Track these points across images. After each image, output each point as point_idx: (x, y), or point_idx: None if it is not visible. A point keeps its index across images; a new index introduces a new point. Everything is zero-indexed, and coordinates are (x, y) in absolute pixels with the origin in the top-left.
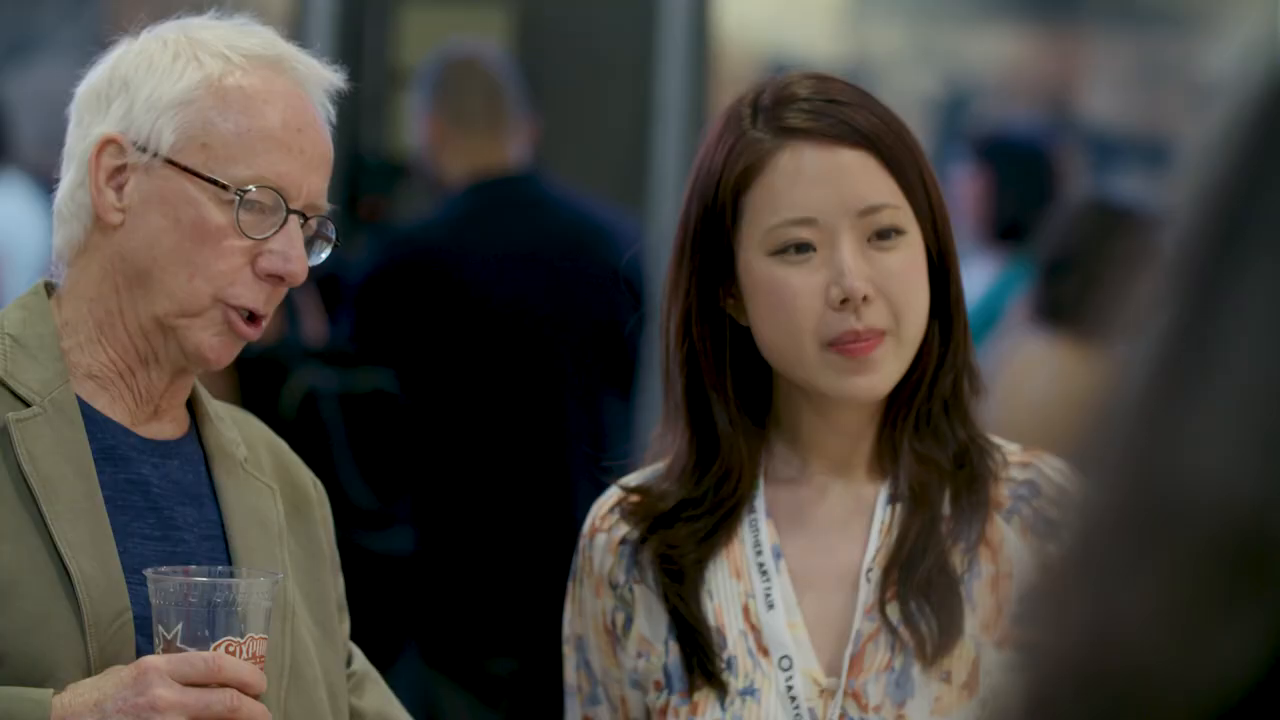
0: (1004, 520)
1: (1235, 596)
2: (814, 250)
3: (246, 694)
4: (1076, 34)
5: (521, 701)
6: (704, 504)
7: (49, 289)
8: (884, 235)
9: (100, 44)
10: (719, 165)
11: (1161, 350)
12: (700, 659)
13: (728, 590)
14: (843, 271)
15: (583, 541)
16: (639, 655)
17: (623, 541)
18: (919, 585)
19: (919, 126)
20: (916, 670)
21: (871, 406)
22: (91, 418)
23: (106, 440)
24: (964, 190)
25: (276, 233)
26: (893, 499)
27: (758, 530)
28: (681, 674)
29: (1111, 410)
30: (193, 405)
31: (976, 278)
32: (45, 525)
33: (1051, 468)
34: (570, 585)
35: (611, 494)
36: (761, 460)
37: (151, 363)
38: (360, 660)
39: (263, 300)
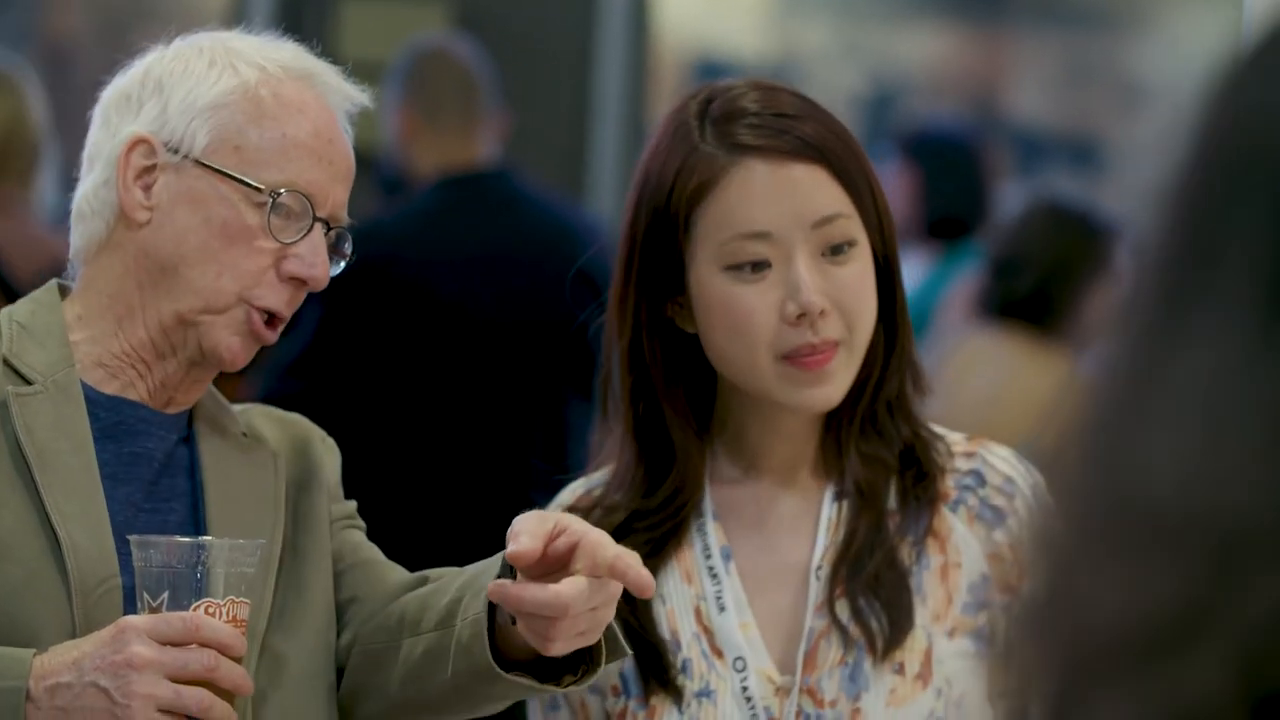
0: (950, 511)
1: (1164, 570)
2: (769, 267)
3: (226, 656)
4: (1002, 32)
5: None
6: (655, 515)
7: (61, 290)
8: (838, 250)
9: (31, 38)
10: (669, 179)
11: (1128, 358)
12: (655, 667)
13: (680, 595)
14: (799, 287)
15: None
16: None
17: None
18: (867, 582)
19: (846, 124)
20: (870, 664)
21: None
22: (96, 400)
23: (112, 417)
24: (891, 187)
25: (303, 238)
26: (839, 496)
27: (706, 534)
28: (637, 679)
29: (1084, 415)
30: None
31: (906, 274)
32: (38, 494)
33: (997, 456)
34: None
35: (560, 502)
36: (707, 464)
37: (168, 356)
38: (355, 551)
39: (284, 302)
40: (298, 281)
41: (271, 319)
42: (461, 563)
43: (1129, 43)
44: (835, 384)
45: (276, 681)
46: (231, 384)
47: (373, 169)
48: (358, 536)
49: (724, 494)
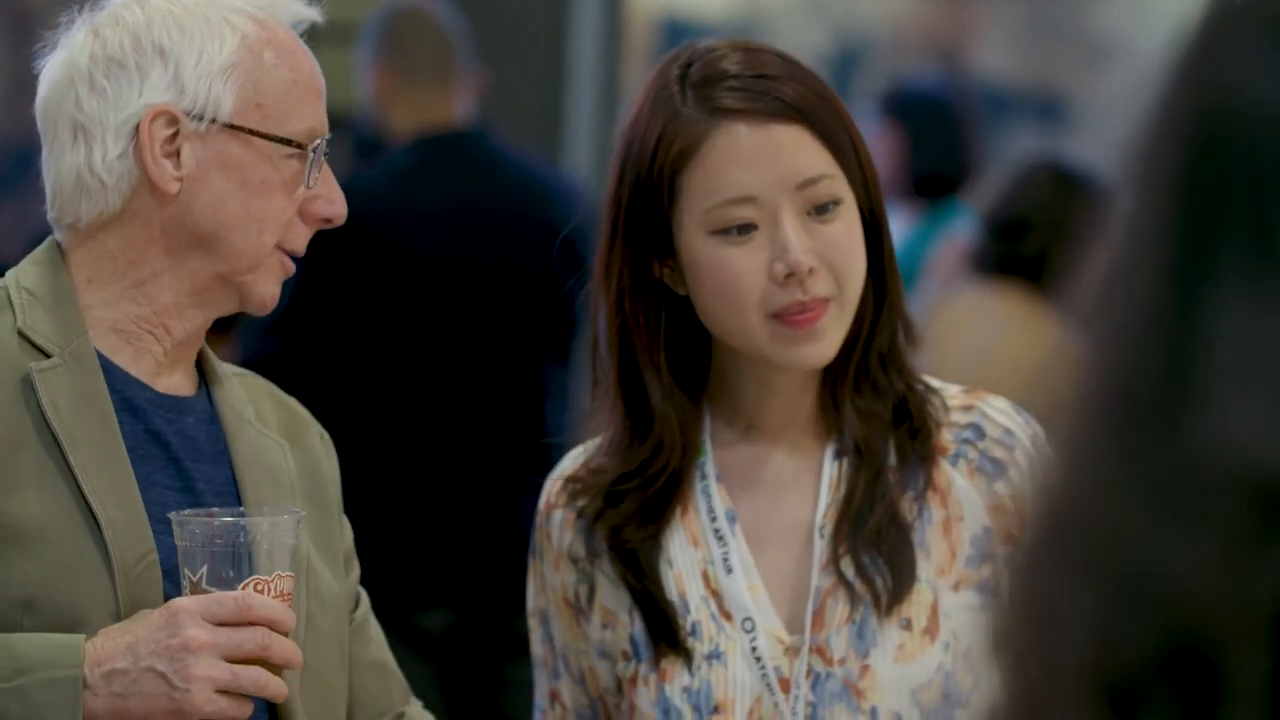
0: (950, 464)
1: (1267, 536)
2: (756, 229)
3: (276, 631)
4: None
5: (455, 655)
6: (640, 477)
7: (59, 247)
8: (823, 209)
9: None
10: (652, 144)
11: (1159, 335)
12: (664, 631)
13: (686, 558)
14: (786, 247)
15: (539, 518)
16: (604, 626)
17: (579, 516)
18: (869, 538)
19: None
20: (876, 620)
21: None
22: (109, 371)
23: (125, 392)
24: (874, 146)
25: (319, 176)
26: (839, 454)
27: (710, 497)
28: (647, 643)
29: (1113, 395)
30: (201, 365)
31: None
32: (71, 473)
33: (995, 408)
34: (531, 561)
35: (563, 469)
36: (705, 426)
37: (191, 317)
38: (365, 605)
39: (306, 242)
40: (322, 220)
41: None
42: (441, 509)
43: None
44: (827, 340)
45: (305, 689)
46: (214, 343)
47: (349, 130)
48: (363, 610)
49: (726, 456)
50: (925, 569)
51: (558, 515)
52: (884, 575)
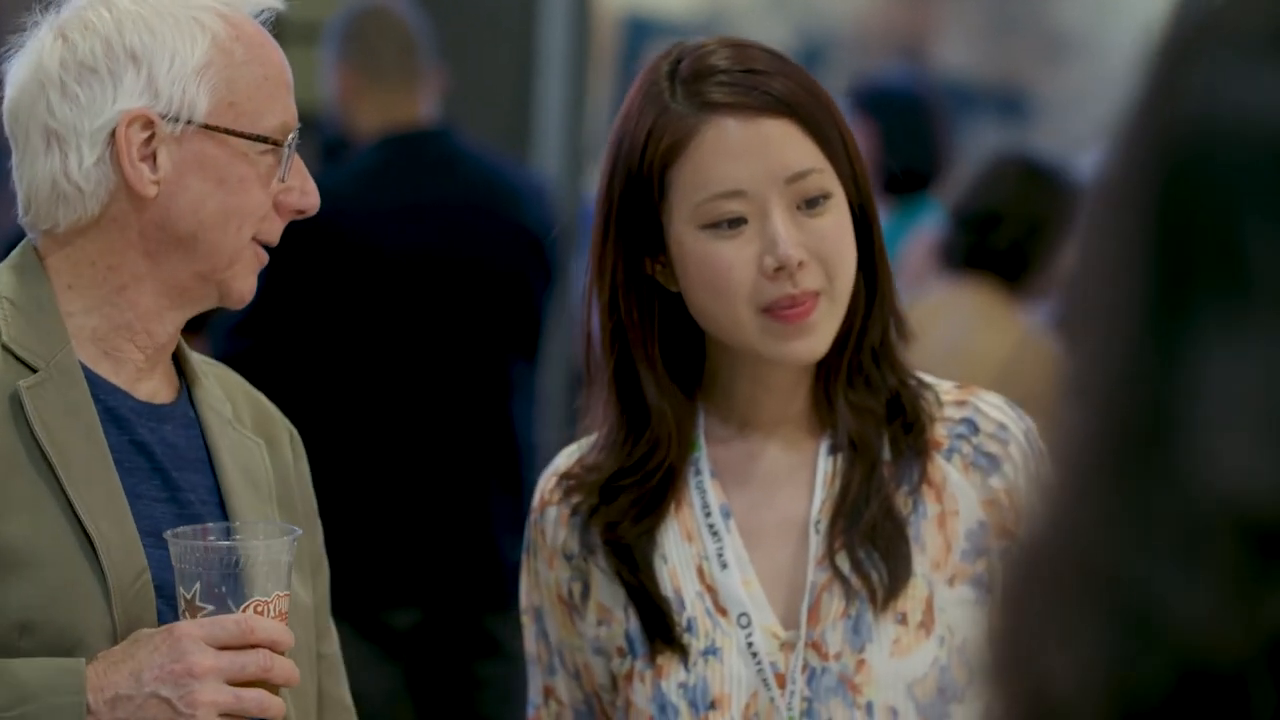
0: (944, 459)
1: (1262, 571)
2: (745, 223)
3: (276, 652)
4: None
5: (424, 653)
6: (635, 475)
7: (36, 252)
8: (813, 203)
9: None
10: (641, 140)
11: (1143, 372)
12: (659, 627)
13: (681, 554)
14: (776, 241)
15: (533, 515)
16: (599, 623)
17: (573, 513)
18: (865, 533)
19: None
20: (872, 615)
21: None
22: (92, 381)
23: (108, 402)
24: None
25: (290, 168)
26: (834, 450)
27: (705, 492)
28: (643, 639)
29: (1102, 432)
30: (180, 364)
31: None
32: (63, 492)
33: (988, 403)
34: (524, 558)
35: (557, 465)
36: (700, 422)
37: (173, 316)
38: (336, 640)
39: (279, 234)
40: (296, 212)
41: None
42: (409, 521)
43: None
44: (818, 335)
45: (292, 703)
46: (186, 341)
47: (315, 129)
48: (336, 646)
49: (720, 452)
50: (920, 563)
51: (552, 512)
52: (879, 570)
